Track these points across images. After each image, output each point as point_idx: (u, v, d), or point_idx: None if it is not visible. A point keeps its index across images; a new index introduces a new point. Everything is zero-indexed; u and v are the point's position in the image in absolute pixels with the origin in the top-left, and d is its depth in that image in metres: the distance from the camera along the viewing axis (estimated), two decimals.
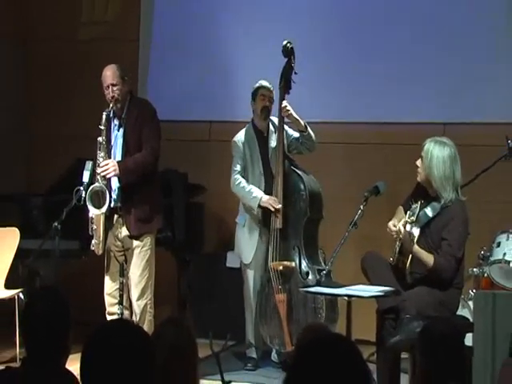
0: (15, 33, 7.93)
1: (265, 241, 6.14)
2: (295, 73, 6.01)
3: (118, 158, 5.78)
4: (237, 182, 6.17)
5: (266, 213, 6.04)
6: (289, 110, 6.00)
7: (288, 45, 6.01)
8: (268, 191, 6.09)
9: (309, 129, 6.08)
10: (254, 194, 6.08)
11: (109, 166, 5.64)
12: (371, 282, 5.17)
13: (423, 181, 5.19)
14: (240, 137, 6.24)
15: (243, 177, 6.19)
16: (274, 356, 6.31)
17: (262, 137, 6.23)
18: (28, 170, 7.97)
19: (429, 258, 5.08)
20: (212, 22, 7.46)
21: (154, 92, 7.41)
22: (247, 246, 6.20)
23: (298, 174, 6.05)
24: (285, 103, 6.00)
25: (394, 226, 5.18)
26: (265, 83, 6.21)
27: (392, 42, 7.00)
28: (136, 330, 2.57)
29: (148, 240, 5.82)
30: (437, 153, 5.11)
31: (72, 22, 7.87)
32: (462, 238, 5.14)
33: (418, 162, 5.18)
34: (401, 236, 5.09)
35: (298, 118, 6.05)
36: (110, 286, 5.87)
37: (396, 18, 6.99)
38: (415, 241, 5.09)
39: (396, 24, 6.99)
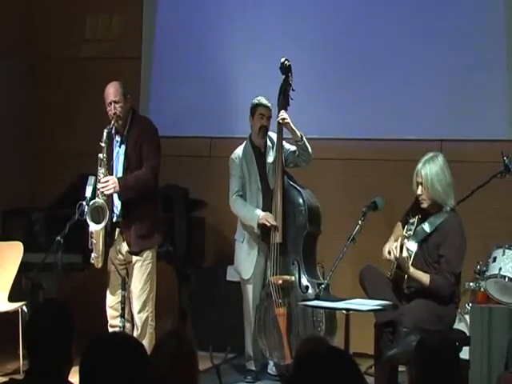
0: (21, 49, 7.96)
1: (263, 255, 6.18)
2: (293, 89, 6.04)
3: (120, 174, 5.82)
4: (235, 203, 6.20)
5: (264, 228, 6.07)
6: (285, 119, 6.02)
7: (286, 62, 6.04)
8: (266, 206, 6.11)
9: (304, 139, 6.09)
10: (252, 214, 6.11)
11: (109, 182, 5.69)
12: (369, 295, 5.20)
13: (429, 206, 5.24)
14: (237, 154, 6.27)
15: (241, 196, 6.23)
16: (271, 369, 6.35)
17: (259, 153, 6.26)
18: (32, 185, 8.00)
19: (425, 278, 5.15)
20: (212, 39, 7.50)
21: (155, 108, 7.47)
22: (246, 261, 6.22)
23: (297, 189, 6.07)
24: (282, 113, 6.03)
25: (389, 252, 5.25)
26: (264, 101, 6.21)
27: (390, 59, 7.02)
28: (131, 343, 2.64)
29: (149, 254, 5.85)
30: (433, 170, 5.18)
31: (76, 39, 7.93)
32: (459, 253, 5.20)
33: (419, 191, 5.23)
34: (397, 256, 5.16)
35: (294, 128, 6.07)
36: (111, 299, 5.91)
37: (395, 34, 7.02)
38: (412, 257, 5.16)
39: (394, 41, 7.01)
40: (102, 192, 5.67)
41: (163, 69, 7.69)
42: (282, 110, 6.06)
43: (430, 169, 5.19)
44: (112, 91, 5.79)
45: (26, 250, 6.34)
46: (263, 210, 6.13)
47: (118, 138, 5.86)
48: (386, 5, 7.11)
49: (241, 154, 6.26)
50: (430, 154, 5.28)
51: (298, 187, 6.12)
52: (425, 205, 5.25)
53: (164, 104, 7.56)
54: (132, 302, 5.86)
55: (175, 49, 7.65)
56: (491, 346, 5.04)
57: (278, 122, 6.08)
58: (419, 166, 5.23)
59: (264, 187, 6.20)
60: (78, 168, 6.70)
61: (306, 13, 7.28)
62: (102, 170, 5.72)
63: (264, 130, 6.21)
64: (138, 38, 7.77)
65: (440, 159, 5.25)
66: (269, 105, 6.21)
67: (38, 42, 8.05)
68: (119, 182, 5.71)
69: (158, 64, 7.71)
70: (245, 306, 6.28)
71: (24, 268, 6.35)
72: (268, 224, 6.02)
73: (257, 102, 6.23)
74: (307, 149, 6.12)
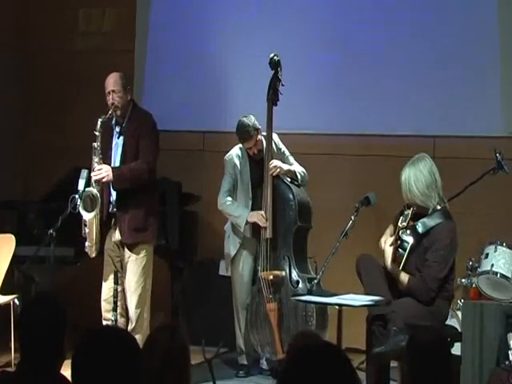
0: (15, 44, 7.95)
1: (249, 251, 6.23)
2: (282, 84, 6.06)
3: (117, 164, 5.83)
4: (223, 201, 6.22)
5: (254, 224, 6.10)
6: (277, 169, 6.03)
7: (275, 57, 6.06)
8: (256, 208, 6.13)
9: (300, 176, 6.13)
10: (240, 212, 6.14)
11: (102, 170, 5.70)
12: (364, 283, 5.22)
13: (421, 207, 5.25)
14: (233, 155, 6.25)
15: (231, 196, 6.24)
16: (263, 363, 6.36)
17: (255, 160, 6.22)
18: (25, 179, 7.99)
19: (403, 278, 5.17)
20: (205, 34, 7.50)
21: (148, 102, 7.41)
22: (230, 256, 6.28)
23: (287, 184, 6.09)
24: (273, 164, 6.02)
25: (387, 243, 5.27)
26: (244, 136, 6.10)
27: (384, 55, 7.04)
28: (123, 336, 2.64)
29: (144, 248, 5.85)
30: (411, 174, 5.19)
31: (69, 32, 7.92)
32: (444, 260, 5.17)
33: (405, 198, 5.24)
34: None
35: (289, 169, 6.11)
36: (105, 292, 5.89)
37: (388, 31, 7.03)
38: (408, 249, 5.17)
39: (385, 39, 7.02)
40: (96, 181, 5.68)
41: (157, 62, 7.69)
42: (273, 160, 6.02)
43: (408, 173, 5.21)
44: (111, 81, 5.84)
45: (18, 243, 6.32)
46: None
47: (117, 129, 5.88)
48: (380, 2, 7.12)
49: (236, 159, 6.23)
50: (414, 158, 5.29)
51: (288, 182, 6.12)
52: (414, 208, 5.25)
53: (157, 98, 7.54)
54: (127, 295, 5.84)
55: (168, 42, 7.65)
56: (483, 341, 5.06)
57: (267, 128, 6.07)
58: (402, 172, 5.25)
59: (255, 195, 6.19)
60: (71, 162, 6.68)
61: (298, 8, 7.28)
62: (96, 159, 5.74)
63: (258, 153, 6.19)
64: (132, 31, 7.76)
65: (421, 162, 5.23)
66: (250, 133, 6.09)
67: (33, 37, 8.03)
68: (113, 171, 5.72)
69: (151, 57, 7.71)
70: (234, 299, 6.31)
71: (16, 261, 6.34)
72: (261, 224, 6.03)
73: (238, 139, 6.15)
74: (304, 182, 6.16)
